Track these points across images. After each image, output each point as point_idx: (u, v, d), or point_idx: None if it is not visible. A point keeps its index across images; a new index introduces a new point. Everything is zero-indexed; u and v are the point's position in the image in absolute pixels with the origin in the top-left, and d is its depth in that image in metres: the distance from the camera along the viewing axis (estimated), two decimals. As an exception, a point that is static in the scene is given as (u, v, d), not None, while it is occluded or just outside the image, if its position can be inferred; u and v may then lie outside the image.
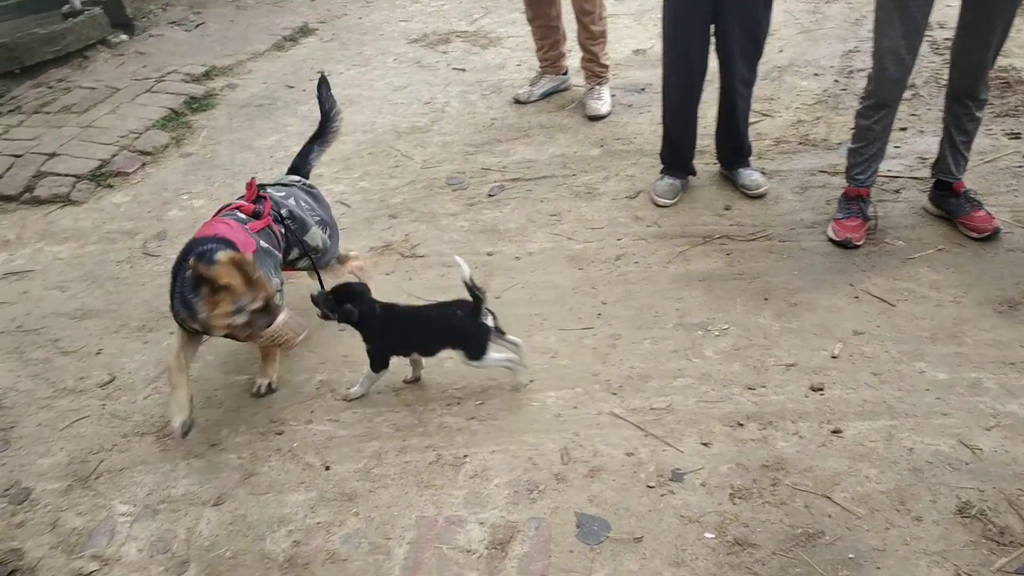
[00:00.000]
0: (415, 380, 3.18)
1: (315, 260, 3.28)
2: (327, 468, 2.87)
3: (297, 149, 4.98)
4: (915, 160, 4.23)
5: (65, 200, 4.74)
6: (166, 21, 7.31)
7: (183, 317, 2.83)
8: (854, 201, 3.72)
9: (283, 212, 3.16)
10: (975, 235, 3.62)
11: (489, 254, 3.90)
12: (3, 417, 3.24)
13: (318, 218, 3.32)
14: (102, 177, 4.89)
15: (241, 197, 3.19)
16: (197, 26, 7.16)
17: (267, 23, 7.10)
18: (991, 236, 3.60)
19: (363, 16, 7.27)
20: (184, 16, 7.41)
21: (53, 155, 5.05)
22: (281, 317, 2.81)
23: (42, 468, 2.99)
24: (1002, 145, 4.30)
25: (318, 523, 2.67)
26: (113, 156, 5.04)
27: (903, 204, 3.93)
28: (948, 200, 3.73)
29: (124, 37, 6.90)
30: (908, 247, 3.64)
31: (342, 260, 3.51)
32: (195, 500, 2.81)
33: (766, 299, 3.44)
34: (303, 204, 3.29)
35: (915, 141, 4.42)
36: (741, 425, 2.86)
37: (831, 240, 3.71)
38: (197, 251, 2.75)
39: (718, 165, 4.30)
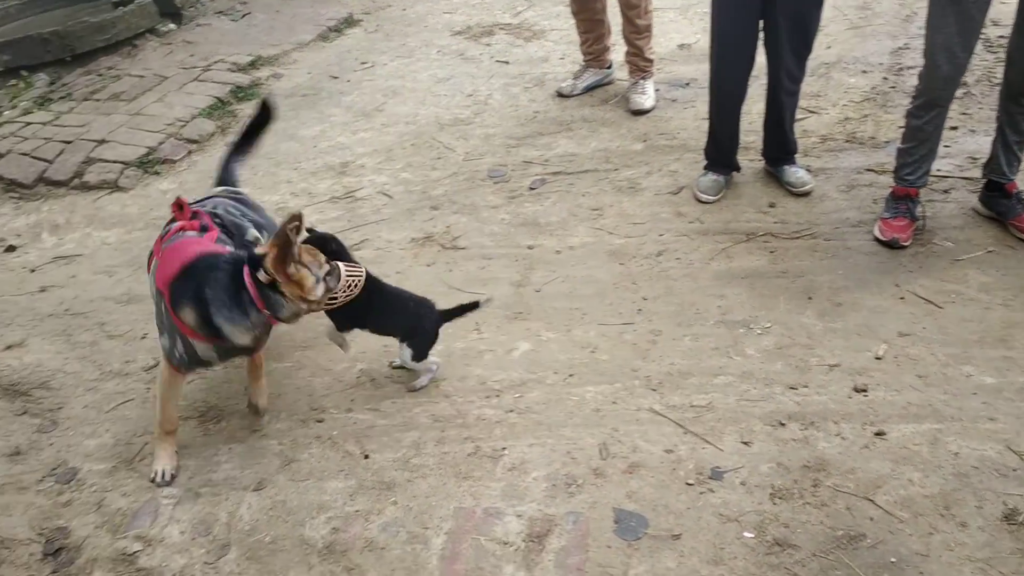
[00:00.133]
0: (343, 346, 3.15)
1: None
2: (366, 457, 2.89)
3: (341, 140, 5.08)
4: (965, 160, 4.15)
5: (113, 186, 4.81)
6: (213, 11, 7.38)
7: (240, 330, 2.67)
8: (902, 201, 3.66)
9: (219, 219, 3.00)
10: (1027, 237, 3.55)
11: (530, 247, 3.90)
12: (51, 398, 3.31)
13: (252, 221, 3.13)
14: (149, 164, 4.97)
15: (172, 221, 2.90)
16: (243, 16, 7.23)
17: (312, 13, 7.14)
18: (1043, 239, 3.53)
19: (407, 7, 7.29)
20: (231, 6, 7.48)
21: (102, 142, 5.13)
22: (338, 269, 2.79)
23: (88, 449, 3.05)
24: (1056, 146, 4.21)
25: (357, 511, 2.69)
26: (160, 144, 5.11)
27: (952, 205, 3.86)
28: (999, 201, 3.66)
29: (172, 26, 6.99)
30: (957, 248, 3.58)
31: None
32: (236, 485, 2.85)
33: (810, 298, 3.40)
34: (232, 211, 3.09)
35: (966, 140, 4.34)
36: (782, 425, 2.83)
37: (877, 240, 3.66)
38: (217, 266, 2.62)
39: (763, 162, 4.25)
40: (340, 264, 2.80)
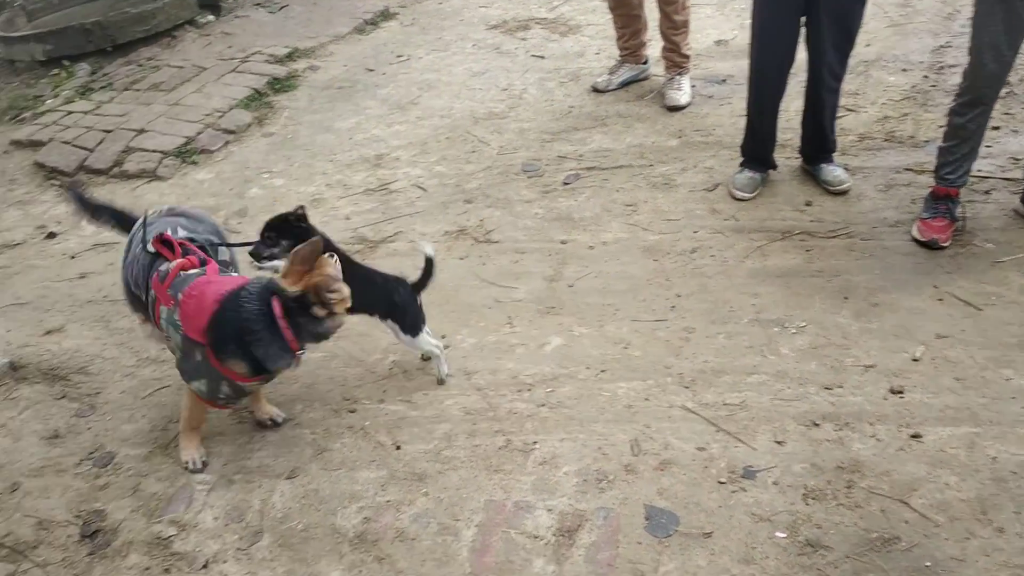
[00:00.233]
0: None
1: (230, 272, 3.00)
2: (398, 448, 2.91)
3: (377, 132, 5.10)
4: (1007, 160, 4.08)
5: (152, 175, 4.88)
6: (251, 2, 7.43)
7: (287, 360, 2.66)
8: (942, 201, 3.61)
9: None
10: (1070, 240, 3.49)
11: (563, 242, 3.90)
12: (89, 383, 3.36)
13: (206, 237, 2.99)
14: (187, 154, 5.03)
15: (157, 256, 2.77)
16: (281, 8, 7.28)
17: (349, 6, 7.17)
18: (1087, 242, 3.47)
19: (443, 1, 7.29)
20: (269, -2, 7.54)
21: (141, 131, 5.20)
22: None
23: (125, 434, 3.09)
24: (1102, 147, 4.14)
25: (388, 501, 2.71)
26: (198, 134, 5.17)
27: (993, 206, 3.80)
28: (1041, 203, 3.60)
29: (211, 17, 7.06)
30: (997, 250, 3.52)
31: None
32: (269, 472, 2.87)
33: (846, 298, 3.36)
34: (191, 227, 2.95)
35: (1008, 141, 4.27)
36: (816, 425, 2.81)
37: (916, 240, 3.61)
38: (245, 305, 2.55)
39: (799, 160, 4.21)
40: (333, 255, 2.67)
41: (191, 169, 4.92)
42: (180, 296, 2.62)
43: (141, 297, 2.84)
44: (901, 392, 2.90)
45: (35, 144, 5.31)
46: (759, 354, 3.14)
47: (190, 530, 2.70)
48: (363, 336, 3.40)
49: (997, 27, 3.19)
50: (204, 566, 2.58)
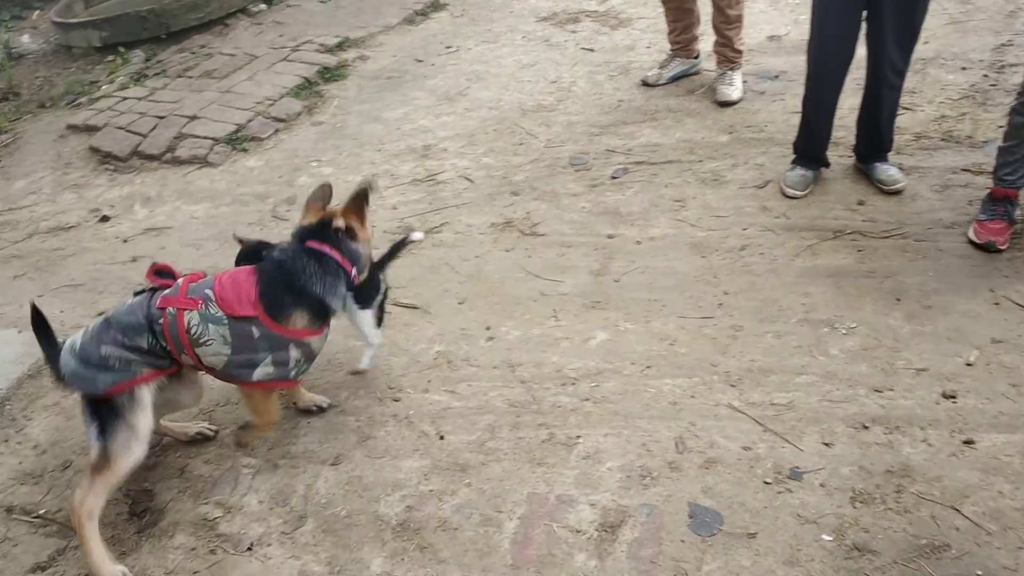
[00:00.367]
0: None
1: None
2: (441, 438, 2.91)
3: (425, 123, 5.12)
4: (1069, 163, 3.98)
5: (203, 162, 4.94)
6: (303, -8, 7.50)
7: (340, 297, 2.75)
8: (1000, 203, 3.52)
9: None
10: None
11: (610, 236, 3.87)
12: (140, 365, 3.41)
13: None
14: (238, 141, 5.08)
15: (155, 290, 2.71)
16: (332, -2, 7.33)
17: (399, -3, 7.20)
18: None
19: (493, -7, 7.29)
20: (320, -12, 7.59)
21: (193, 118, 5.27)
22: None
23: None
24: None
25: (431, 490, 2.72)
26: (249, 121, 5.23)
27: (1053, 209, 3.71)
28: (1104, 207, 3.50)
29: (263, 6, 7.13)
30: (1057, 254, 3.44)
31: None
32: (314, 458, 2.90)
33: (898, 300, 3.30)
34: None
35: (1070, 142, 4.15)
36: (866, 428, 2.76)
37: (972, 242, 3.53)
38: (281, 260, 2.68)
39: (853, 158, 4.13)
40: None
41: (241, 156, 4.98)
42: (208, 292, 2.61)
43: (143, 344, 2.59)
44: (954, 397, 2.84)
45: (90, 129, 5.41)
46: (808, 354, 3.09)
47: (235, 512, 2.73)
48: (408, 326, 3.42)
49: (1064, 25, 3.11)
50: (249, 548, 2.61)
